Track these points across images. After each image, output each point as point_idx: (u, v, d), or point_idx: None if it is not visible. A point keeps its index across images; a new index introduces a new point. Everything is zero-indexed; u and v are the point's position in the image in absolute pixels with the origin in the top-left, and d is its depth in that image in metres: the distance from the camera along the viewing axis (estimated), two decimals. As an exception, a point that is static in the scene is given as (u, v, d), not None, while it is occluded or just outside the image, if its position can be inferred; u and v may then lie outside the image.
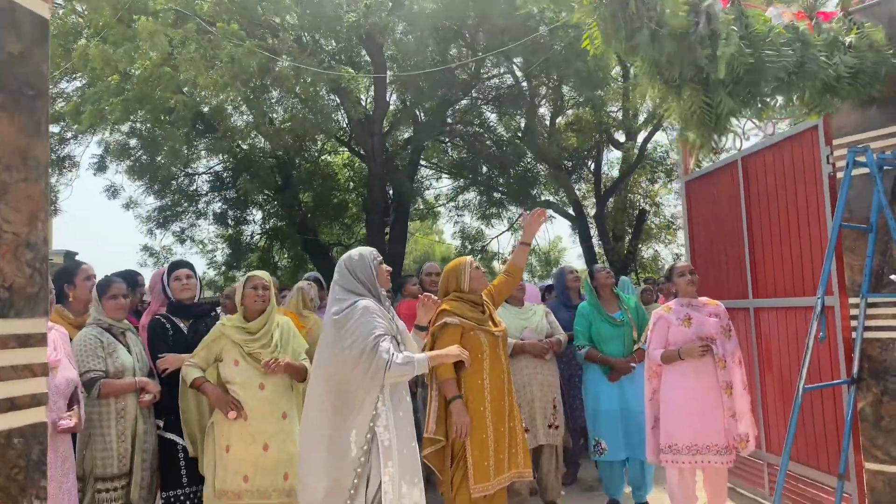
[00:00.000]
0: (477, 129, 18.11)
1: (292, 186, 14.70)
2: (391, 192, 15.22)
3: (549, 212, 20.23)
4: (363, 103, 14.18)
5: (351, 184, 17.16)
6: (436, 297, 4.02)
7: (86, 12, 9.78)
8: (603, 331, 5.50)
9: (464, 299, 4.45)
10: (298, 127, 11.43)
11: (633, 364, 5.41)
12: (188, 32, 8.65)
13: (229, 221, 16.04)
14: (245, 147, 14.11)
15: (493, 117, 18.43)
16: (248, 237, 16.52)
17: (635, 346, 5.49)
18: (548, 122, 18.98)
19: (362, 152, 14.36)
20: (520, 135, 18.01)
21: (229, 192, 15.39)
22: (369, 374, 3.41)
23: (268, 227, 16.26)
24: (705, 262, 6.37)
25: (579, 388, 5.98)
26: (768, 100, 4.05)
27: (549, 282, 8.97)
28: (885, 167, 4.12)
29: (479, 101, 17.47)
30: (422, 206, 20.19)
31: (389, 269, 3.81)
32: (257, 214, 16.66)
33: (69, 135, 12.79)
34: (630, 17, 3.63)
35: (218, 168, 15.56)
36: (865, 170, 4.14)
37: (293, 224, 14.57)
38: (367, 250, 3.79)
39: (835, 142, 4.54)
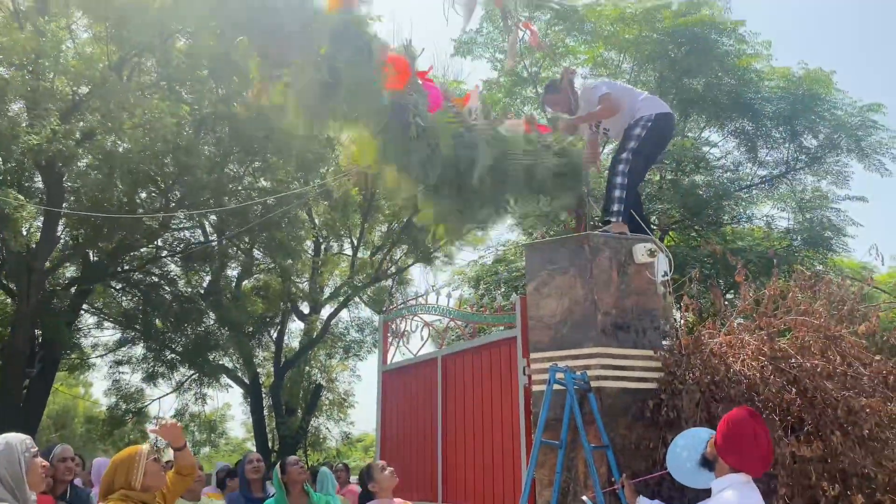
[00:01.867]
0: (156, 279, 16.83)
1: None
2: (40, 337, 13.07)
3: (222, 386, 19.10)
4: (26, 234, 12.35)
5: (-8, 323, 14.45)
6: None
7: None
8: (288, 534, 4.91)
9: (133, 499, 3.64)
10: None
11: (314, 576, 4.86)
12: None
13: None
14: None
15: (176, 269, 17.34)
16: None
17: (320, 554, 4.96)
18: (234, 284, 18.39)
19: (13, 288, 12.25)
20: (202, 292, 17.10)
21: None
22: None
23: None
24: (396, 456, 6.21)
25: None
26: (509, 204, 4.73)
27: (225, 463, 8.07)
28: (576, 387, 4.43)
29: (164, 252, 16.38)
30: (75, 356, 17.66)
31: (46, 464, 2.96)
32: None
33: None
34: (409, 139, 3.93)
35: None
36: (558, 386, 4.41)
37: None
38: (17, 438, 2.92)
39: (531, 355, 4.82)
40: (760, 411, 4.22)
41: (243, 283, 18.90)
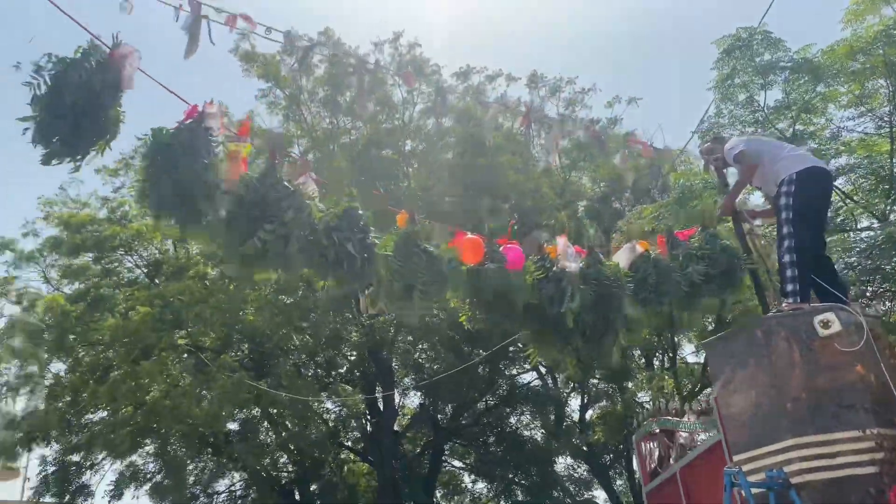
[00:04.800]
0: (504, 428, 18.03)
1: (309, 501, 14.59)
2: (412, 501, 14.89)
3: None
4: (378, 409, 14.57)
5: (371, 494, 16.89)
6: None
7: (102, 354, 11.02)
8: None
9: None
10: (300, 443, 11.76)
11: None
12: (186, 367, 9.58)
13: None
14: (264, 463, 14.29)
15: (516, 416, 18.42)
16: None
17: None
18: (576, 417, 18.89)
19: (372, 459, 14.44)
20: (544, 432, 17.85)
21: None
22: None
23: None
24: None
25: None
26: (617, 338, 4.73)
27: None
28: (775, 487, 4.12)
29: (500, 402, 17.62)
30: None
31: None
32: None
33: (87, 463, 13.29)
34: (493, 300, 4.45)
35: (238, 486, 15.64)
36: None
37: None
38: None
39: (735, 457, 4.58)
40: None
41: (586, 413, 19.28)
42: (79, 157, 3.53)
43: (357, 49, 14.14)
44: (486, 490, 18.37)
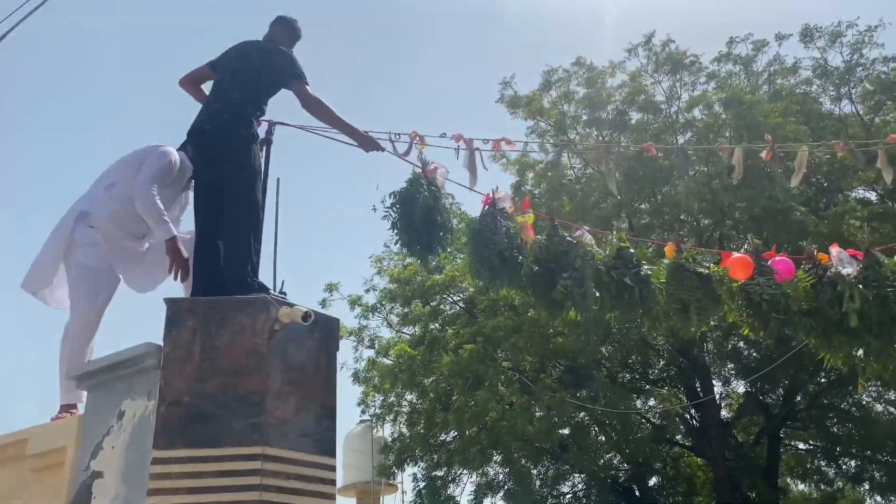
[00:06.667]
0: (848, 406, 16.73)
1: (649, 497, 15.15)
2: (754, 494, 14.64)
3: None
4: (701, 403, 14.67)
5: (710, 486, 16.86)
6: None
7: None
8: None
9: None
10: (629, 444, 12.44)
11: None
12: (513, 391, 10.87)
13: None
14: (599, 464, 15.16)
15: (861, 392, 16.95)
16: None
17: None
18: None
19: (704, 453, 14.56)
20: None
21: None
22: None
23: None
24: None
25: None
26: None
27: None
28: None
29: (837, 379, 16.40)
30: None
31: None
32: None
33: (449, 478, 15.44)
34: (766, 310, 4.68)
35: (579, 486, 16.71)
36: None
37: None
38: None
39: None
40: None
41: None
42: (433, 249, 5.05)
43: (612, 65, 14.71)
44: (835, 473, 17.24)
